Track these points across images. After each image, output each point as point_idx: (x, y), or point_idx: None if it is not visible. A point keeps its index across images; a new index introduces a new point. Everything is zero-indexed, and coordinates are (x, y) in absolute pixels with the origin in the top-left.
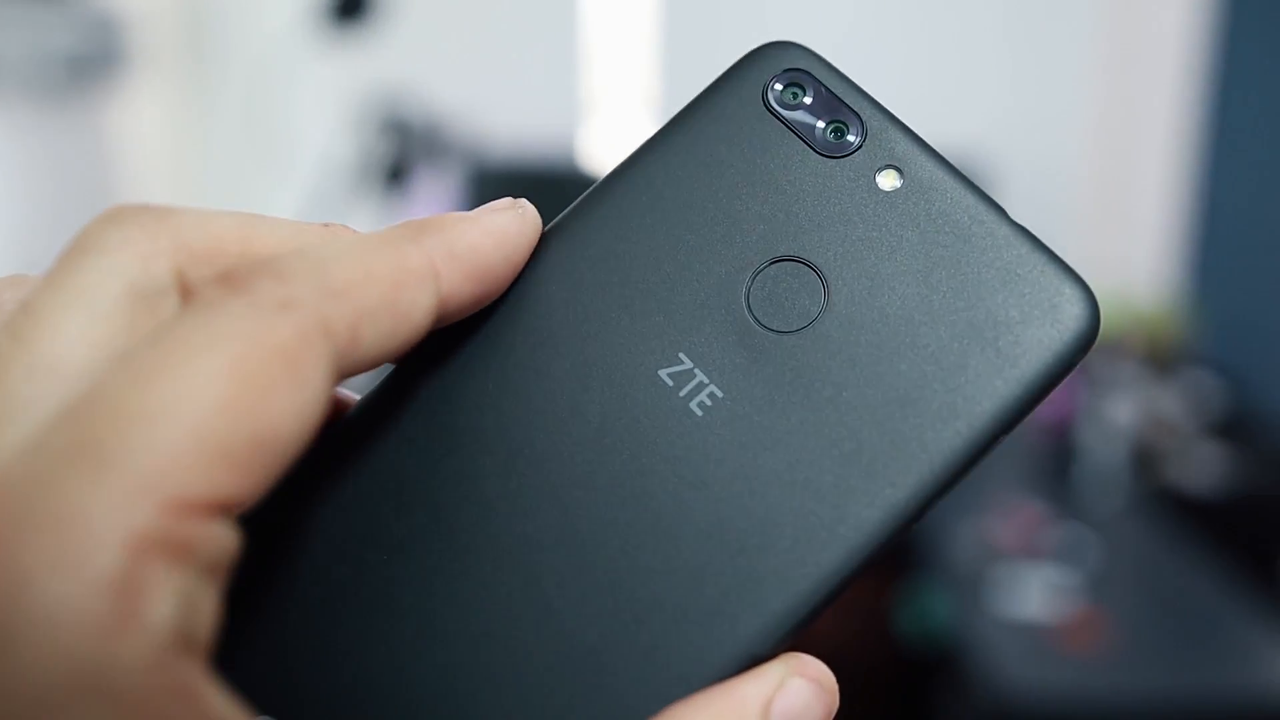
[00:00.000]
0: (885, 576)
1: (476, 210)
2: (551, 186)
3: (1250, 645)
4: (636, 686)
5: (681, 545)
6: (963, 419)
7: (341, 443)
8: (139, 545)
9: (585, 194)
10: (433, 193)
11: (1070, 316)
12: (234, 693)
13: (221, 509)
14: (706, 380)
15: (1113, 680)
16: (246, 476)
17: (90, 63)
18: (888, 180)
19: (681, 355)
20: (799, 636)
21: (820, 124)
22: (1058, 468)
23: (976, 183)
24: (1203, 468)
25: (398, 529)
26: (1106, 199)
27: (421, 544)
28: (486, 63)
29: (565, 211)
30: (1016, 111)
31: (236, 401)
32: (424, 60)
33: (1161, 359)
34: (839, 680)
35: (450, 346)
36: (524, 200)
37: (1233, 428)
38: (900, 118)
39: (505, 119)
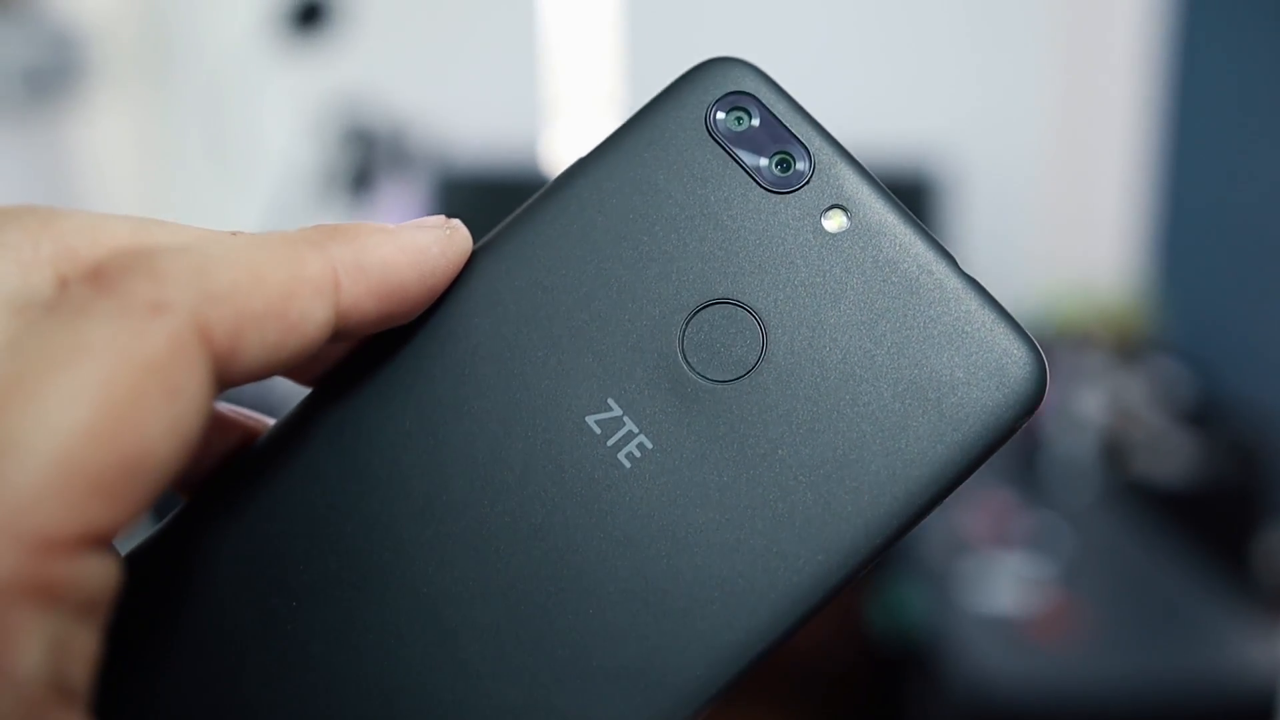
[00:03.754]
0: None
1: (401, 224)
2: (518, 191)
3: (1222, 633)
4: None
5: (604, 605)
6: (900, 484)
7: (250, 474)
8: (1, 593)
9: (518, 212)
10: (398, 200)
11: (1016, 380)
12: None
13: (93, 541)
14: (636, 430)
15: (1086, 671)
16: (119, 504)
17: (49, 76)
18: (834, 221)
19: (610, 401)
20: (721, 702)
21: (764, 157)
22: (1025, 459)
23: (927, 227)
24: (1172, 457)
25: (308, 575)
26: (1069, 190)
27: (333, 592)
28: (449, 68)
29: (496, 230)
30: (978, 100)
31: (104, 425)
32: (386, 66)
33: (1128, 349)
34: (812, 678)
35: (367, 374)
36: (456, 221)
37: (1201, 416)
38: (850, 151)
39: (469, 124)
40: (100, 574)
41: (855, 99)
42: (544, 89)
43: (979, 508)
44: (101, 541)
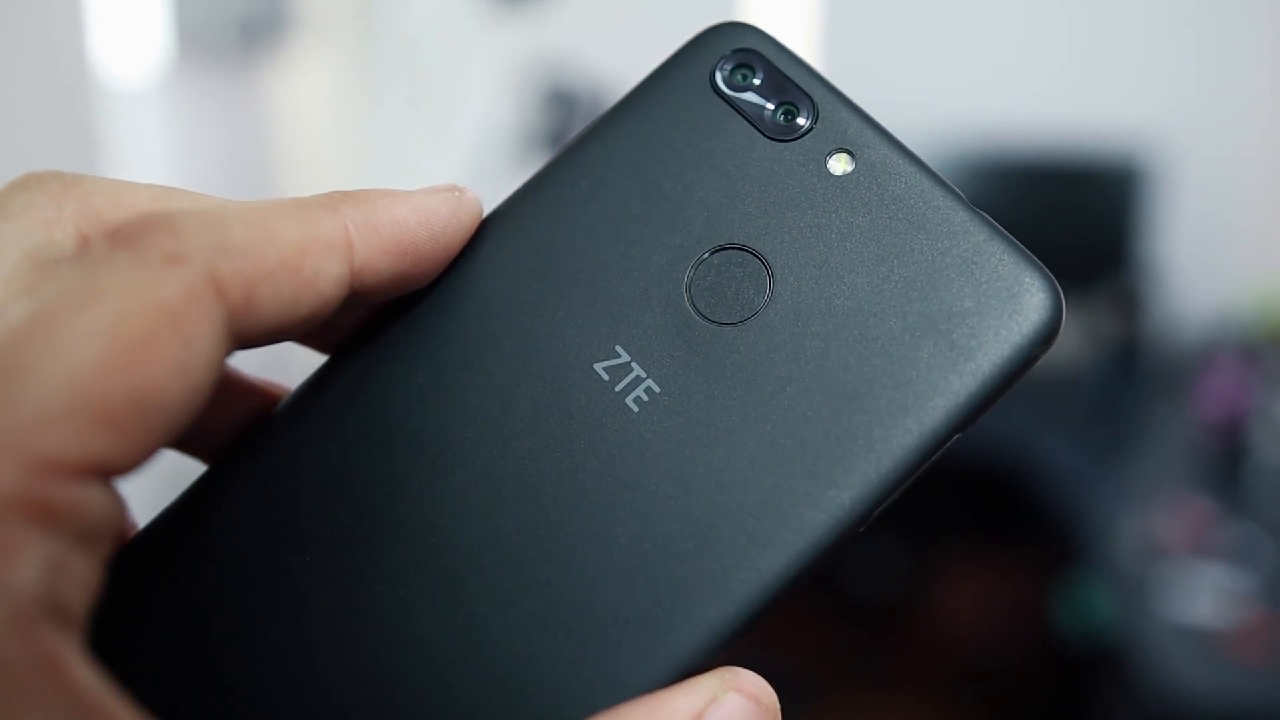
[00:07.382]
0: (1044, 569)
1: (412, 190)
2: None
3: None
4: (562, 696)
5: (613, 548)
6: (913, 416)
7: (268, 434)
8: (1, 505)
9: (530, 178)
10: None
11: (1030, 307)
12: (124, 678)
13: (97, 471)
14: (644, 374)
15: None
16: (124, 438)
17: (262, 27)
18: (839, 164)
19: (618, 348)
20: (738, 645)
21: (769, 106)
22: (1227, 466)
23: (933, 167)
24: None
25: (321, 529)
26: None
27: (344, 545)
28: (651, 33)
29: (508, 198)
30: (1193, 88)
31: (114, 359)
32: (589, 30)
33: None
34: (994, 673)
35: (382, 336)
36: (465, 187)
37: None
38: (854, 100)
39: None
40: (101, 506)
41: (1065, 83)
42: None
43: (1176, 515)
44: (105, 474)
